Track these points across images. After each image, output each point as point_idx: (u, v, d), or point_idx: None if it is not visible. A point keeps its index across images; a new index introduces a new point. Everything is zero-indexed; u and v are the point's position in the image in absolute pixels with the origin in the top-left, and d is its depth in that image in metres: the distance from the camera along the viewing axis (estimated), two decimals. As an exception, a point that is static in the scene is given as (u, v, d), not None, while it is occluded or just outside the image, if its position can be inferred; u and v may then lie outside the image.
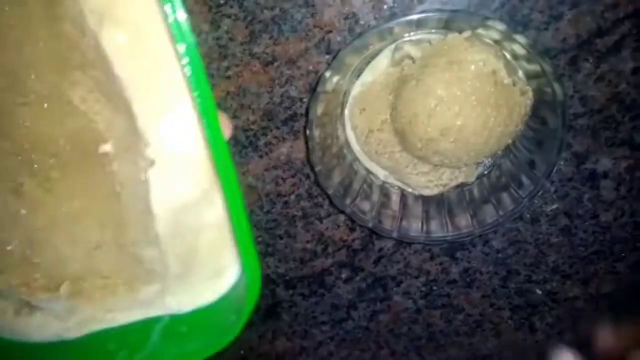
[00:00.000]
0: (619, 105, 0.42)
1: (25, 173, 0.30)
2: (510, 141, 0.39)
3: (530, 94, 0.38)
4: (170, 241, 0.31)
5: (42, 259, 0.31)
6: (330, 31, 0.41)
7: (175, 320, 0.33)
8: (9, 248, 0.30)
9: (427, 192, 0.43)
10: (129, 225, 0.31)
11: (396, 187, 0.44)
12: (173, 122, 0.29)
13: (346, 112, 0.41)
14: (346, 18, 0.40)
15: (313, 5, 0.40)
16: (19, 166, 0.29)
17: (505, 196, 0.40)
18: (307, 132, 0.38)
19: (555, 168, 0.38)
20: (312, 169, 0.40)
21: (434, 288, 0.48)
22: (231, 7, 0.40)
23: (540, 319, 0.50)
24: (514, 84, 0.37)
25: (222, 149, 0.26)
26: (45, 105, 0.29)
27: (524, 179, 0.39)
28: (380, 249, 0.47)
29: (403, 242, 0.47)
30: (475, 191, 0.42)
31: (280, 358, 0.52)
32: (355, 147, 0.42)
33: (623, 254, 0.47)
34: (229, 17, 0.41)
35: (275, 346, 0.51)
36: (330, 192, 0.39)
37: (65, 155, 0.30)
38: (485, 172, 0.43)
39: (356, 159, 0.43)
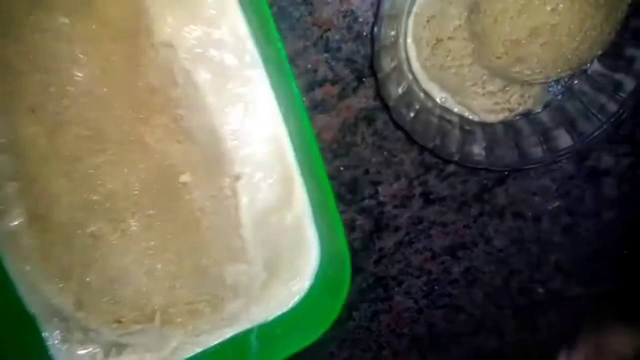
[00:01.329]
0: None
1: (102, 218, 0.31)
2: (599, 52, 0.36)
3: None
4: (256, 249, 0.33)
5: (126, 295, 0.32)
6: (329, 29, 0.40)
7: (267, 326, 0.34)
8: (93, 287, 0.32)
9: (490, 118, 0.40)
10: (210, 247, 0.33)
11: (455, 112, 0.41)
12: (257, 137, 0.33)
13: (410, 22, 0.38)
14: (345, 16, 0.40)
15: (311, 4, 0.40)
16: (95, 213, 0.31)
17: (581, 121, 0.38)
18: (375, 30, 0.35)
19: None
20: (376, 76, 0.37)
21: (436, 288, 0.48)
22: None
23: (542, 318, 0.49)
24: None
25: (315, 150, 0.30)
26: (122, 151, 0.31)
27: (606, 102, 0.37)
28: (381, 249, 0.47)
29: (403, 243, 0.46)
30: (544, 118, 0.40)
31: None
32: (415, 64, 0.39)
33: (625, 252, 0.47)
34: (227, 15, 0.40)
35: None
36: (390, 104, 0.37)
37: (141, 196, 0.32)
38: (557, 97, 0.40)
39: (415, 79, 0.40)
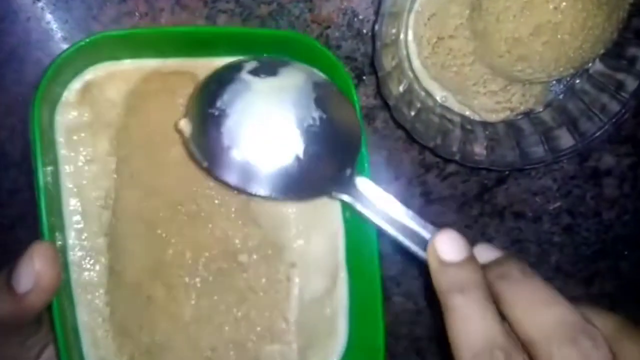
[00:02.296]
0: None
1: (159, 283, 0.34)
2: (601, 51, 0.36)
3: None
4: (295, 333, 0.35)
5: None
6: (329, 27, 0.40)
7: None
8: (145, 349, 0.33)
9: (491, 117, 0.40)
10: (253, 324, 0.35)
11: (456, 111, 0.40)
12: (318, 236, 0.36)
13: (411, 20, 0.38)
14: (345, 13, 0.40)
15: (311, 1, 0.39)
16: (155, 276, 0.33)
17: (583, 121, 0.38)
18: (376, 27, 0.35)
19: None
20: (377, 74, 0.36)
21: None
22: (227, 2, 0.39)
23: (542, 319, 0.49)
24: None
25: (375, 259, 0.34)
26: (190, 224, 0.34)
27: (608, 102, 0.37)
28: (379, 249, 0.46)
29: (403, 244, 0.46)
30: (546, 117, 0.40)
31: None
32: (416, 62, 0.39)
33: (626, 253, 0.47)
34: (225, 12, 0.40)
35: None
36: (391, 102, 0.36)
37: (196, 268, 0.34)
38: (559, 96, 0.40)
39: (415, 78, 0.40)
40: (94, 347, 0.33)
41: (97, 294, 0.33)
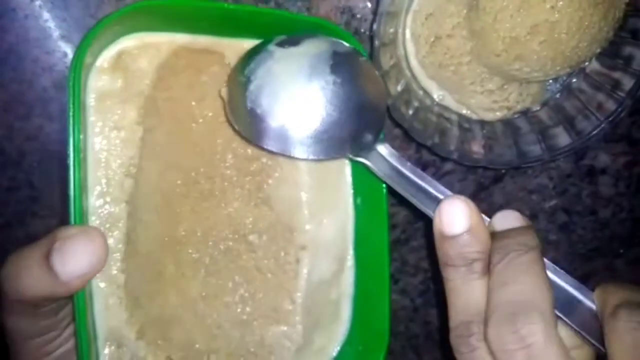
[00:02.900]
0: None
1: (170, 258, 0.34)
2: (598, 50, 0.37)
3: None
4: (301, 315, 0.36)
5: (175, 335, 0.34)
6: (326, 25, 0.40)
7: None
8: (154, 321, 0.34)
9: (489, 116, 0.40)
10: (260, 304, 0.36)
11: (454, 110, 0.41)
12: (330, 220, 0.37)
13: (408, 19, 0.38)
14: (342, 12, 0.40)
15: (308, -1, 0.39)
16: (166, 251, 0.34)
17: (580, 120, 0.38)
18: (374, 27, 0.35)
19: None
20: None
21: (432, 286, 0.48)
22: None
23: (538, 316, 0.49)
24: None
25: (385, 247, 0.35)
26: (203, 202, 0.35)
27: (604, 100, 0.37)
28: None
29: (399, 241, 0.46)
30: (543, 116, 0.40)
31: None
32: (413, 62, 0.39)
33: (621, 251, 0.47)
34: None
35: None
36: (389, 101, 0.37)
37: (205, 245, 0.35)
38: (555, 95, 0.40)
39: (413, 77, 0.40)
40: (105, 314, 0.32)
41: (113, 260, 0.33)
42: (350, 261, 0.37)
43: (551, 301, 0.24)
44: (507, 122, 0.40)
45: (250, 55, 0.32)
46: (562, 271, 0.28)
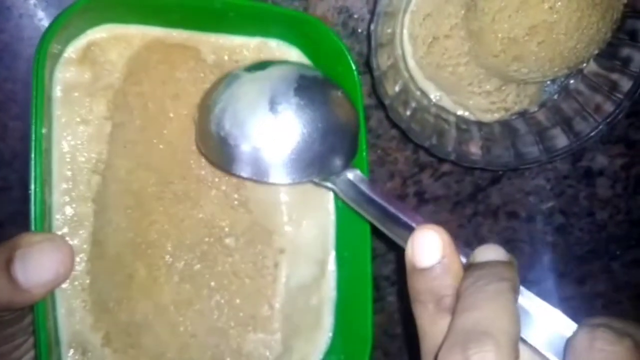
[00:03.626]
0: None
1: (141, 261, 0.33)
2: (596, 52, 0.37)
3: None
4: (280, 322, 0.35)
5: (145, 343, 0.33)
6: (324, 25, 0.40)
7: None
8: (122, 327, 0.32)
9: (486, 117, 0.40)
10: (236, 311, 0.34)
11: (451, 111, 0.41)
12: (310, 222, 0.36)
13: (406, 20, 0.38)
14: (340, 12, 0.40)
15: (306, -1, 0.39)
16: (136, 254, 0.33)
17: (577, 121, 0.38)
18: (372, 27, 0.35)
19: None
20: (372, 74, 0.37)
21: (428, 288, 0.48)
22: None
23: (535, 318, 0.49)
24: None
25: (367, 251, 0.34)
26: (177, 204, 0.33)
27: (602, 102, 0.37)
28: (374, 249, 0.46)
29: (396, 242, 0.46)
30: (541, 117, 0.40)
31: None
32: (411, 62, 0.39)
33: (618, 253, 0.47)
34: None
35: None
36: (386, 102, 0.36)
37: (180, 249, 0.33)
38: (553, 97, 0.40)
39: (411, 78, 0.40)
40: (68, 318, 0.31)
41: (77, 261, 0.31)
42: (331, 265, 0.36)
43: (513, 333, 0.23)
44: (504, 124, 0.40)
45: (220, 80, 0.32)
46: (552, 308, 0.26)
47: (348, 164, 0.31)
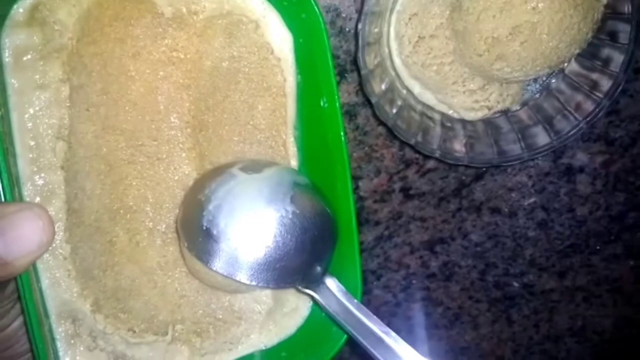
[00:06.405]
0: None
1: (121, 227, 0.32)
2: (577, 51, 0.38)
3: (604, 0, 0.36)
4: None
5: (136, 307, 0.33)
6: (312, 24, 0.40)
7: (270, 351, 0.35)
8: (110, 293, 0.32)
9: (470, 115, 0.41)
10: None
11: (436, 109, 0.41)
12: None
13: (393, 19, 0.38)
14: (328, 11, 0.40)
15: (294, -2, 0.40)
16: (115, 220, 0.32)
17: (558, 120, 0.39)
18: (359, 26, 0.35)
19: (620, 88, 0.36)
20: (359, 72, 0.37)
21: (414, 282, 0.49)
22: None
23: (517, 311, 0.50)
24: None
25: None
26: (151, 167, 0.33)
27: (583, 101, 0.38)
28: (361, 243, 0.47)
29: (382, 237, 0.47)
30: (523, 116, 0.41)
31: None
32: (397, 61, 0.40)
33: (598, 247, 0.48)
34: (209, 8, 0.40)
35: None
36: (373, 100, 0.37)
37: (158, 213, 0.33)
38: (535, 95, 0.41)
39: (397, 76, 0.40)
40: (54, 288, 0.31)
41: (55, 228, 0.30)
42: None
43: None
44: (488, 122, 0.41)
45: (212, 176, 0.32)
46: None
47: (326, 270, 0.32)
